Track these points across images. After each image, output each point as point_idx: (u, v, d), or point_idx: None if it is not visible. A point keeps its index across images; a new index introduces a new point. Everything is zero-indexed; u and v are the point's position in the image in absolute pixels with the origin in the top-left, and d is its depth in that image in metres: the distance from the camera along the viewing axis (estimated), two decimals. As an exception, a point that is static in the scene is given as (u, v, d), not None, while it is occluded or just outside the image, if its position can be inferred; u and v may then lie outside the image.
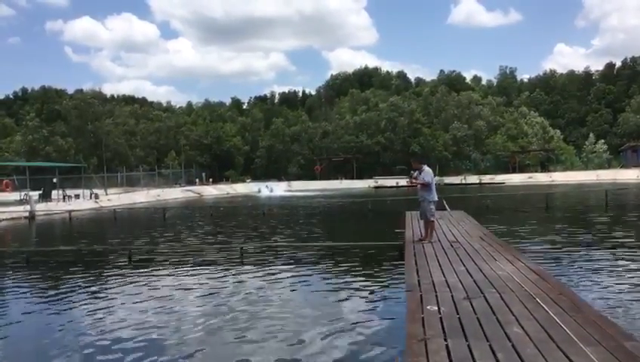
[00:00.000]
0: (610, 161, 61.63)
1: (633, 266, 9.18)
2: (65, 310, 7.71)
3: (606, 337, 4.15)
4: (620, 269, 8.96)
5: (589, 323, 4.50)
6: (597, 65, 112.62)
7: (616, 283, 7.92)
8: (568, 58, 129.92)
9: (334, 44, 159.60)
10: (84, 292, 8.74)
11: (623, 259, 9.95)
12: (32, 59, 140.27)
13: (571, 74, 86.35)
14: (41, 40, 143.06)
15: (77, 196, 33.96)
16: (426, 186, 9.90)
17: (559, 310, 4.93)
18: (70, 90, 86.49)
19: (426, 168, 10.02)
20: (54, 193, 32.82)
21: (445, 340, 4.21)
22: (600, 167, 56.33)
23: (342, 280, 8.96)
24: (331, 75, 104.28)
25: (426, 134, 66.01)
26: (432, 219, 9.86)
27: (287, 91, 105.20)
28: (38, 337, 6.54)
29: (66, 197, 32.74)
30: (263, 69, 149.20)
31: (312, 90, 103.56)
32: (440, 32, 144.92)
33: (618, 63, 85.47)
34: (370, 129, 67.91)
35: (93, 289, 9.05)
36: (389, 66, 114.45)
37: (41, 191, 31.93)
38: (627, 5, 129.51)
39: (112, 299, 8.25)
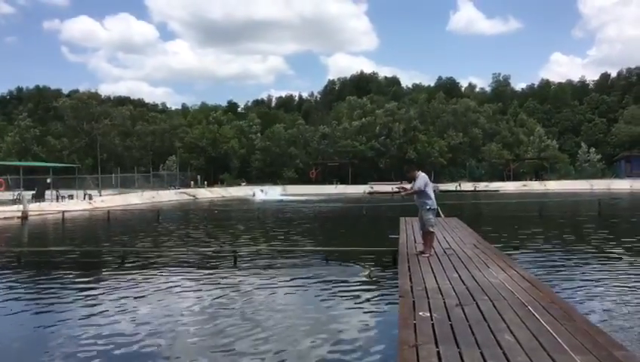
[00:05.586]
0: (604, 170, 61.96)
1: (624, 276, 9.22)
2: (56, 311, 7.65)
3: (597, 346, 4.15)
4: (612, 278, 8.99)
5: (580, 332, 4.51)
6: (593, 76, 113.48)
7: (608, 292, 7.96)
8: (564, 67, 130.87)
9: (334, 49, 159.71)
10: (75, 294, 8.69)
11: (614, 268, 9.99)
12: (28, 58, 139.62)
13: (566, 83, 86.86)
14: (38, 39, 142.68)
15: (70, 197, 33.84)
16: (421, 193, 9.07)
17: (551, 318, 4.94)
18: (66, 91, 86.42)
19: (421, 174, 9.10)
20: (48, 193, 32.66)
21: (437, 346, 4.21)
22: (594, 176, 56.65)
23: (335, 285, 8.94)
24: (329, 80, 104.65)
25: (422, 141, 66.25)
26: (430, 229, 8.92)
27: (284, 95, 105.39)
28: (28, 337, 6.49)
29: (60, 198, 32.61)
30: (261, 73, 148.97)
31: (308, 96, 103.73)
32: (439, 39, 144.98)
33: (613, 74, 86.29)
34: (367, 134, 68.05)
35: (85, 290, 8.99)
36: (387, 72, 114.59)
37: (34, 191, 31.77)
38: (625, 17, 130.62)
39: (103, 301, 8.19)
